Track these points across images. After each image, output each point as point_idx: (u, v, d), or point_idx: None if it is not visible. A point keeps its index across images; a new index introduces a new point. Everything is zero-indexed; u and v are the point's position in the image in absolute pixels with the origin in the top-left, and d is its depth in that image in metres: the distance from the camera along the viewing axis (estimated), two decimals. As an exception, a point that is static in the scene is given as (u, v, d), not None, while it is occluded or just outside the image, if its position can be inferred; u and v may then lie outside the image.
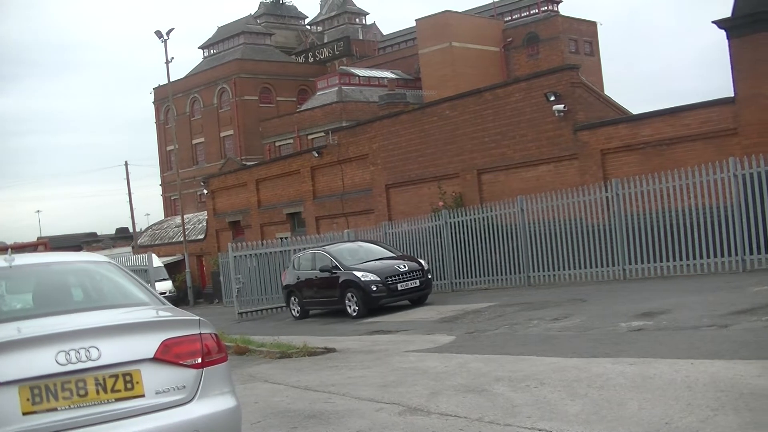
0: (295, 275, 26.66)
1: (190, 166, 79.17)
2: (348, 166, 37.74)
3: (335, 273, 24.23)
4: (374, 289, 22.99)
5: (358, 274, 23.42)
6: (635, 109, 28.38)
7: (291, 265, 27.40)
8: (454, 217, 27.55)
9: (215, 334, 6.20)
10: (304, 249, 28.54)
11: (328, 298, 24.93)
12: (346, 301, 23.76)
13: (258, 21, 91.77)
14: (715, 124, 23.26)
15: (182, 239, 53.48)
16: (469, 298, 23.49)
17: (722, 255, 20.64)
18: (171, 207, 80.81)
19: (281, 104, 78.47)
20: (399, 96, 47.54)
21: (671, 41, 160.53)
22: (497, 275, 26.17)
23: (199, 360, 5.94)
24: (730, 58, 22.34)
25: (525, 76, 33.73)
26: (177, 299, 43.60)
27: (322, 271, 24.74)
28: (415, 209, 32.60)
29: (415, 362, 12.98)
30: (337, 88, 67.78)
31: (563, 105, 27.29)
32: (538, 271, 25.01)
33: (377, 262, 24.03)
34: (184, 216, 55.13)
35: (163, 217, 75.44)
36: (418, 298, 23.81)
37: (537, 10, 75.36)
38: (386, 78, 70.62)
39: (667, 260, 21.77)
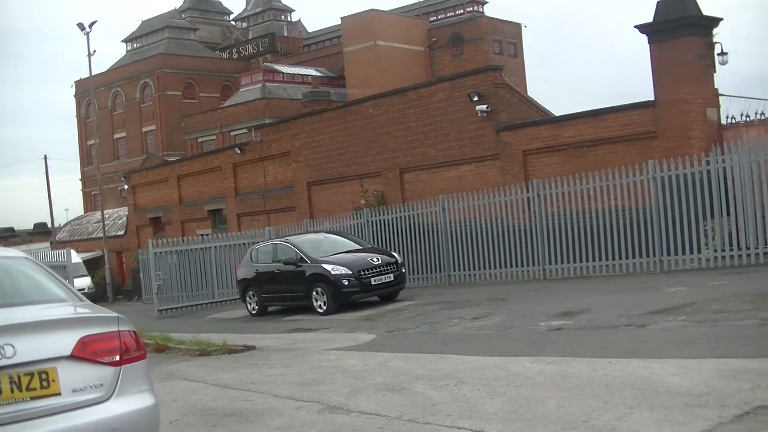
0: (253, 268, 24.65)
1: (111, 161, 77.97)
2: (270, 163, 37.53)
3: (300, 266, 22.27)
4: (345, 283, 21.23)
5: (328, 267, 21.57)
6: (561, 111, 28.62)
7: (248, 258, 25.46)
8: (375, 216, 27.59)
9: (134, 332, 6.13)
10: (264, 240, 26.97)
11: (292, 293, 23.01)
12: (314, 297, 21.78)
13: (182, 15, 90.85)
14: (635, 126, 23.58)
15: (102, 235, 52.70)
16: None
17: (641, 256, 20.99)
18: (91, 202, 79.60)
19: (204, 100, 77.73)
20: (323, 94, 47.40)
21: (600, 44, 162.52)
22: (418, 274, 26.27)
23: (117, 358, 5.86)
24: (651, 63, 22.71)
25: (449, 76, 33.92)
26: (96, 296, 42.97)
27: (286, 263, 22.78)
28: (337, 207, 32.56)
29: (335, 360, 12.97)
30: (260, 85, 67.35)
31: (486, 105, 27.43)
32: (459, 270, 25.17)
33: (348, 255, 22.33)
34: (105, 211, 54.34)
35: (82, 213, 74.27)
36: (389, 294, 22.25)
37: (462, 11, 75.69)
38: (310, 75, 70.34)
39: (587, 260, 22.06)
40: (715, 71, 22.61)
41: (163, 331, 19.85)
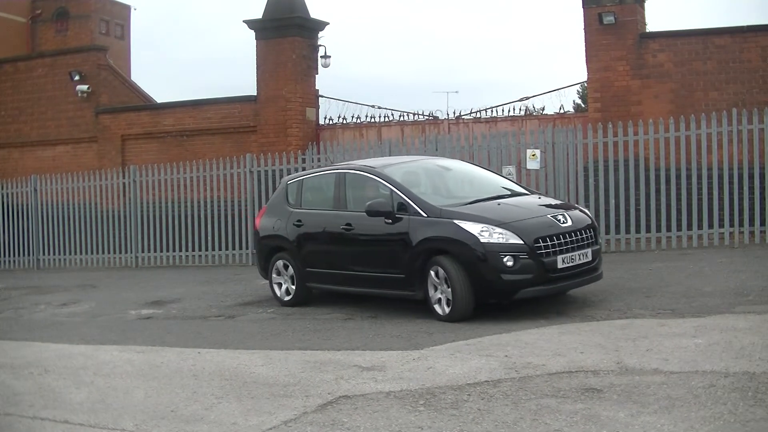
0: (291, 217, 13.41)
1: None
2: None
3: (400, 220, 11.40)
4: (509, 264, 10.48)
5: (472, 227, 10.73)
6: (169, 99, 28.32)
7: (280, 197, 14.13)
8: (-40, 192, 26.02)
9: None
10: (316, 169, 15.46)
11: (373, 272, 11.96)
12: (430, 285, 11.07)
13: None
14: (236, 120, 23.88)
15: None
16: (-29, 278, 22.28)
17: (233, 248, 21.29)
18: None
19: None
20: None
21: (214, 34, 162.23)
22: (4, 257, 25.02)
23: None
24: (257, 59, 23.13)
25: (50, 52, 32.58)
26: None
27: (371, 214, 11.64)
28: None
29: None
30: None
31: (87, 86, 26.67)
32: (50, 254, 24.24)
33: (506, 206, 11.58)
34: None
35: None
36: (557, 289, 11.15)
37: (69, -15, 73.04)
38: None
39: (181, 250, 22.04)
40: (317, 73, 23.41)
41: None
